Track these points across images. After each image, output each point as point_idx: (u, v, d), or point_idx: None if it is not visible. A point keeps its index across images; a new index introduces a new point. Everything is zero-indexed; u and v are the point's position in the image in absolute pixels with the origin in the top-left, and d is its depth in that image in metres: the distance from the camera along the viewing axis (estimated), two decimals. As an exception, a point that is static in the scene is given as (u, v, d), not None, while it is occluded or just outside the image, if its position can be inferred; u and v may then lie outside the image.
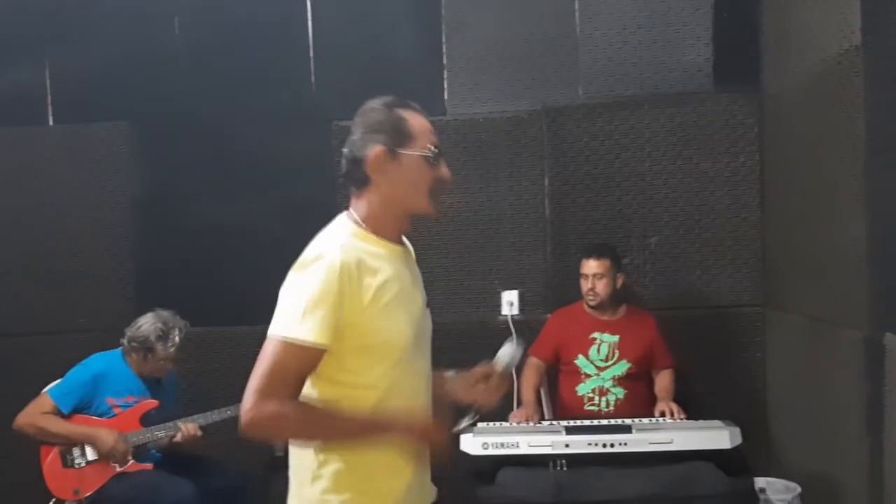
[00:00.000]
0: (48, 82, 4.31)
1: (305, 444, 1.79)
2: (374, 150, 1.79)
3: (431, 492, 1.98)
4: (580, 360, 3.66)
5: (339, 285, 1.69)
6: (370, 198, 1.84)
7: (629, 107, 4.04)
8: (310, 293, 1.69)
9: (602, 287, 3.66)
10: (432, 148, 1.82)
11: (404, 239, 1.97)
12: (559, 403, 3.77)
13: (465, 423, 1.92)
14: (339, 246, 1.75)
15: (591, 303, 3.69)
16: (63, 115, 4.30)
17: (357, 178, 1.84)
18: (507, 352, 1.97)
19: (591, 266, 3.68)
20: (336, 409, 1.76)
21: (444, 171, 1.84)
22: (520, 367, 3.86)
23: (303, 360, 1.70)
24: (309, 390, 1.77)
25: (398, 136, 1.80)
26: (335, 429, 1.76)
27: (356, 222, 1.84)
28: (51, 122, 4.31)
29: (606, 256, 3.70)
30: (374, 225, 1.83)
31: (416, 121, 1.84)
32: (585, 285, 3.69)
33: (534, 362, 3.76)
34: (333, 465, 1.78)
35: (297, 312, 1.69)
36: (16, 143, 4.26)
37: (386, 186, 1.81)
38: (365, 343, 1.75)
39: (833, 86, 3.14)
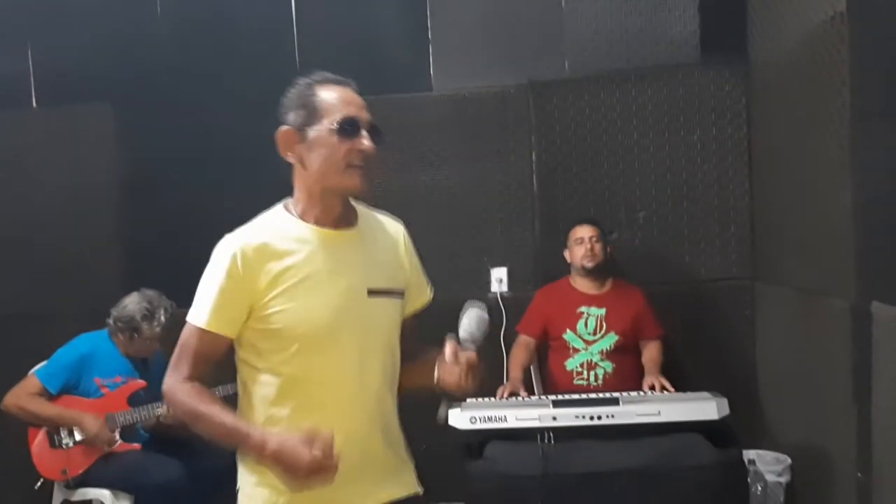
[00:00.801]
0: (31, 65, 4.28)
1: (195, 429, 1.75)
2: (280, 131, 1.80)
3: (384, 490, 1.86)
4: (568, 335, 3.66)
5: (230, 271, 1.72)
6: (296, 180, 1.84)
7: (616, 80, 4.01)
8: (206, 278, 1.77)
9: (599, 249, 3.67)
10: (344, 120, 1.74)
11: (366, 217, 1.91)
12: (548, 379, 3.77)
13: (441, 410, 1.80)
14: (245, 231, 1.79)
15: (589, 264, 3.67)
16: (46, 97, 4.28)
17: (283, 161, 1.83)
18: (465, 324, 1.81)
19: (585, 230, 3.70)
20: (216, 407, 1.72)
21: (361, 142, 1.75)
22: (509, 344, 3.88)
23: (199, 341, 1.75)
24: (238, 378, 1.82)
25: (306, 114, 1.77)
26: (206, 424, 1.72)
27: (285, 206, 1.84)
28: (34, 105, 4.28)
29: (597, 224, 3.75)
30: (301, 208, 1.82)
31: (332, 95, 1.78)
32: (581, 249, 3.68)
33: (522, 340, 3.76)
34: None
35: (197, 296, 1.77)
36: (-1, 126, 4.23)
37: (301, 167, 1.80)
38: (264, 328, 1.75)
39: (819, 54, 3.11)
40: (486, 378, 3.61)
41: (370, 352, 1.82)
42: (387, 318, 1.86)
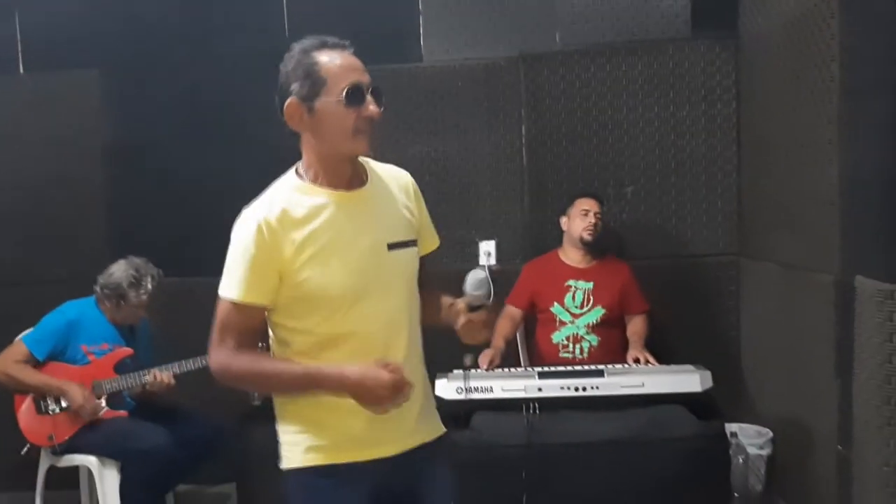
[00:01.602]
0: (18, 30, 4.23)
1: (259, 391, 1.85)
2: (288, 104, 1.80)
3: (418, 432, 1.93)
4: (555, 308, 3.68)
5: (257, 243, 1.76)
6: (305, 148, 1.87)
7: (606, 53, 4.01)
8: (233, 253, 1.81)
9: (600, 224, 3.70)
10: (350, 88, 1.76)
11: (375, 172, 1.95)
12: (535, 352, 3.80)
13: (466, 359, 1.99)
14: (263, 203, 1.81)
15: (589, 238, 3.69)
16: (33, 63, 4.24)
17: (288, 130, 1.85)
18: (470, 280, 1.90)
19: (592, 203, 3.71)
20: (280, 363, 1.84)
21: (369, 108, 1.78)
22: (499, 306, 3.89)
23: (238, 315, 1.79)
24: (273, 336, 1.89)
25: (310, 84, 1.78)
26: (277, 380, 1.82)
27: (297, 173, 1.87)
28: (21, 71, 4.23)
29: (601, 199, 3.77)
30: (313, 174, 1.85)
31: (332, 61, 1.78)
32: (584, 221, 3.69)
33: (508, 311, 3.78)
34: (290, 404, 1.89)
35: (227, 271, 1.81)
36: (-15, 92, 4.20)
37: (310, 136, 1.83)
38: (296, 294, 1.80)
39: (809, 29, 3.12)
40: (473, 350, 3.67)
41: (397, 302, 1.88)
42: (408, 269, 1.92)
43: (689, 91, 3.98)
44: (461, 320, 1.88)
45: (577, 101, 4.04)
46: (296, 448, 1.88)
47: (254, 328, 1.83)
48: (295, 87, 1.79)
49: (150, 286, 3.43)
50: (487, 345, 3.43)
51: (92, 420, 3.39)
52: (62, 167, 4.20)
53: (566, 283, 3.69)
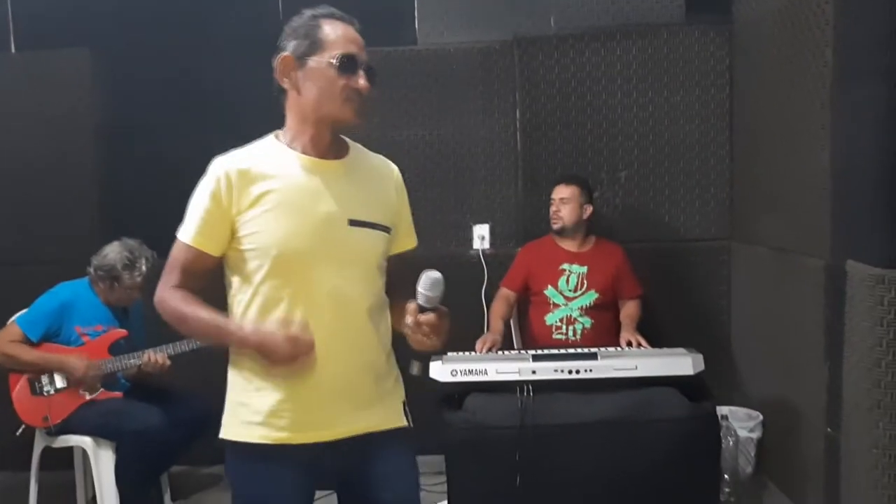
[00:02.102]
0: (10, 9, 4.19)
1: (182, 332, 1.91)
2: (282, 58, 1.85)
3: (362, 419, 1.91)
4: (549, 291, 3.70)
5: (214, 192, 1.82)
6: (288, 108, 1.90)
7: (601, 38, 4.00)
8: (195, 196, 1.87)
9: (567, 212, 3.69)
10: (344, 56, 1.80)
11: (359, 153, 1.97)
12: (528, 333, 3.82)
13: (413, 367, 1.88)
14: (232, 156, 1.87)
15: (554, 226, 3.72)
16: (25, 42, 4.20)
17: (276, 88, 1.88)
18: (420, 289, 1.81)
19: (558, 190, 3.72)
20: (199, 308, 1.84)
21: (359, 80, 1.81)
22: (490, 300, 3.92)
23: (185, 255, 1.87)
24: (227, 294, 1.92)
25: (308, 44, 1.82)
26: (193, 323, 1.85)
27: (276, 135, 1.91)
28: (13, 50, 4.20)
29: (575, 183, 3.73)
30: (290, 136, 1.89)
31: (335, 30, 1.83)
32: (552, 211, 3.72)
33: (503, 293, 3.80)
34: (234, 375, 1.93)
35: (188, 212, 1.88)
36: (-23, 71, 4.16)
37: (296, 94, 1.85)
38: (243, 248, 1.83)
39: (803, 14, 3.13)
40: (467, 332, 3.70)
41: (349, 278, 1.86)
42: (369, 249, 1.90)
43: (682, 76, 3.99)
44: (409, 321, 1.81)
45: (572, 85, 4.04)
46: (233, 419, 1.91)
47: (197, 272, 1.87)
48: (293, 44, 1.84)
49: (144, 268, 3.43)
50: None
51: (86, 401, 3.39)
52: (54, 147, 4.16)
53: (560, 267, 3.71)
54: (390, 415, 1.97)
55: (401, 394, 2.03)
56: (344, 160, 1.92)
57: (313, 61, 1.81)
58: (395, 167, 2.04)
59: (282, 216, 1.81)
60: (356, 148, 1.98)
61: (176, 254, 1.89)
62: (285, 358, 1.76)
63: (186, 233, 1.86)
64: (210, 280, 1.92)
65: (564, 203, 3.69)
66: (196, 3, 4.10)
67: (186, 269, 1.88)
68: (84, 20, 4.11)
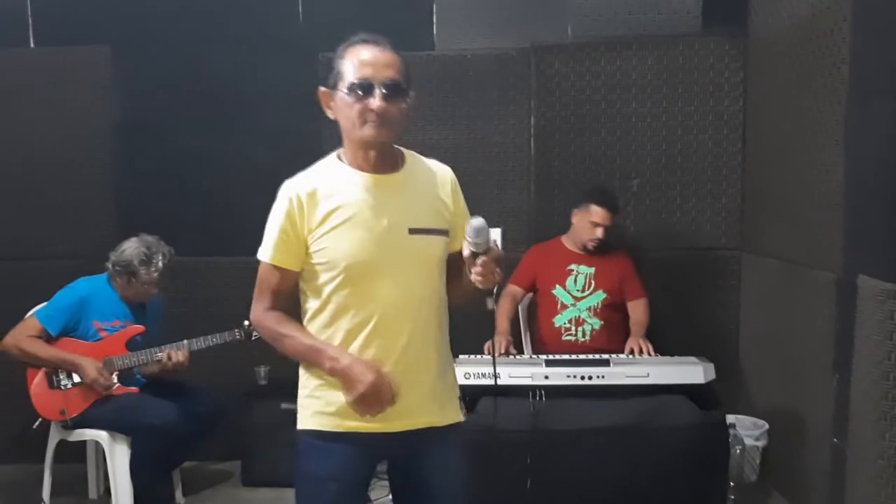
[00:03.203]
0: (29, 4, 4.22)
1: (280, 351, 2.02)
2: (320, 92, 2.01)
3: (426, 414, 2.03)
4: (557, 290, 3.74)
5: (288, 212, 1.96)
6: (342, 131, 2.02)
7: (617, 47, 4.05)
8: (270, 220, 2.00)
9: (605, 236, 3.72)
10: (354, 84, 1.90)
11: (414, 162, 2.06)
12: (537, 336, 3.85)
13: (490, 303, 1.98)
14: (300, 178, 2.00)
15: (592, 247, 3.74)
16: (45, 37, 4.23)
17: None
18: (469, 229, 1.90)
19: (604, 217, 3.71)
20: (297, 330, 2.00)
21: (372, 102, 1.90)
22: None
23: (271, 276, 2.00)
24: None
25: (334, 77, 1.96)
26: (290, 344, 1.99)
27: (337, 155, 2.04)
28: (32, 45, 4.23)
29: (617, 210, 3.78)
30: (349, 156, 2.02)
31: (355, 57, 1.93)
32: (593, 231, 3.70)
33: (510, 290, 3.83)
34: (306, 369, 2.06)
35: (264, 236, 2.01)
36: (-4, 64, 4.19)
37: (340, 122, 1.99)
38: (316, 262, 1.96)
39: (820, 31, 3.17)
40: (478, 335, 3.74)
41: (411, 284, 1.99)
42: (429, 254, 2.02)
43: (697, 87, 4.04)
44: (472, 268, 1.91)
45: (587, 94, 4.09)
46: (305, 411, 2.04)
47: (286, 290, 2.01)
48: (329, 77, 1.98)
49: (160, 264, 3.47)
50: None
51: (103, 395, 3.44)
52: (72, 142, 4.21)
53: (568, 267, 3.76)
54: (449, 410, 2.10)
55: (457, 389, 2.16)
56: (399, 173, 2.03)
57: (338, 92, 1.95)
58: (448, 170, 2.14)
59: (348, 231, 1.94)
60: (412, 157, 2.09)
61: (261, 275, 2.03)
62: (362, 399, 1.91)
63: (265, 252, 2.00)
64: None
65: (606, 228, 3.72)
66: (216, 2, 4.13)
67: (274, 290, 2.01)
68: (104, 17, 4.15)
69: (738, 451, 3.53)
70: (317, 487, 2.04)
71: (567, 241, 3.86)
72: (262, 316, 2.03)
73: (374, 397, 1.90)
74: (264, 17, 4.11)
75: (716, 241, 4.11)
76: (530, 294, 3.91)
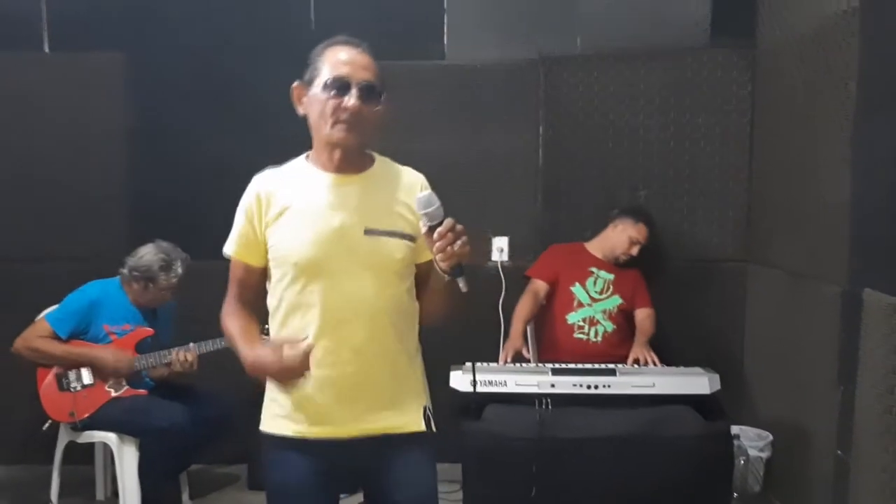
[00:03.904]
0: (44, 9, 4.26)
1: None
2: (293, 87, 2.00)
3: (379, 421, 1.99)
4: (576, 288, 3.76)
5: (247, 207, 1.99)
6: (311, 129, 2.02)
7: (625, 59, 4.08)
8: (236, 215, 2.03)
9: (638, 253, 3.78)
10: (332, 80, 1.89)
11: (383, 167, 2.04)
12: (547, 330, 3.83)
13: (461, 283, 1.86)
14: (266, 173, 2.03)
15: (622, 260, 3.78)
16: (59, 42, 4.26)
17: (294, 112, 2.03)
18: (419, 203, 1.85)
19: (642, 233, 3.77)
20: (234, 324, 2.01)
21: (346, 100, 1.89)
22: (507, 311, 3.97)
23: (234, 268, 2.04)
24: None
25: (310, 72, 1.96)
26: (231, 338, 2.01)
27: (306, 155, 2.05)
28: (46, 49, 4.27)
29: (650, 224, 3.84)
30: (314, 155, 2.02)
31: (333, 55, 1.93)
32: (629, 247, 3.76)
33: (533, 286, 3.80)
34: None
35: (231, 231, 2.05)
36: (11, 69, 4.22)
37: (310, 119, 1.98)
38: (271, 257, 1.98)
39: (829, 46, 3.20)
40: (485, 343, 3.75)
41: (365, 285, 1.95)
42: (385, 256, 1.97)
43: (704, 99, 4.07)
44: (433, 246, 1.83)
45: (595, 104, 4.12)
46: (266, 411, 2.04)
47: (248, 284, 2.03)
48: (305, 73, 1.98)
49: (180, 270, 3.51)
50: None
51: (112, 398, 3.47)
52: (85, 147, 4.23)
53: (589, 269, 3.80)
54: (409, 418, 2.03)
55: (423, 399, 2.08)
56: (364, 174, 2.01)
57: (313, 87, 1.94)
58: (420, 177, 2.09)
59: (299, 229, 1.95)
60: (382, 163, 2.07)
61: (231, 268, 2.06)
62: (276, 376, 1.93)
63: (229, 246, 2.04)
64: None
65: (640, 245, 3.77)
66: (229, 9, 4.17)
67: (239, 281, 2.04)
68: (118, 24, 4.18)
69: (742, 461, 3.55)
70: (275, 492, 2.05)
71: (592, 248, 3.88)
72: (225, 307, 2.05)
73: (281, 373, 1.88)
74: (277, 24, 4.15)
75: (722, 252, 4.13)
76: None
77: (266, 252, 1.98)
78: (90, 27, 4.20)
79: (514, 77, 4.15)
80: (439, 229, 1.81)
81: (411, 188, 2.02)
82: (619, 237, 3.78)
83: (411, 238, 1.99)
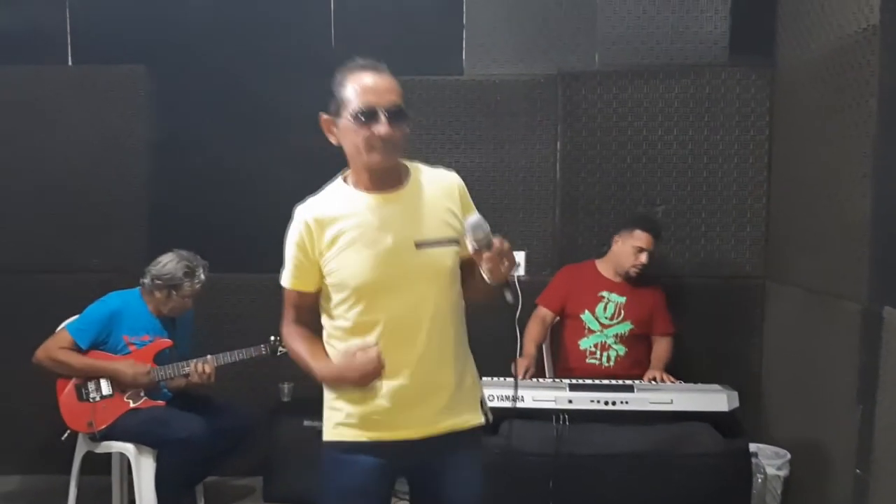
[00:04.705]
0: (68, 22, 4.31)
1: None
2: (321, 119, 2.06)
3: (446, 419, 2.07)
4: (586, 315, 3.76)
5: (297, 239, 2.05)
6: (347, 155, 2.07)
7: (644, 75, 4.10)
8: (286, 246, 2.09)
9: (648, 261, 3.75)
10: (360, 109, 1.94)
11: (418, 175, 2.09)
12: (560, 356, 3.85)
13: (508, 296, 1.99)
14: (310, 202, 2.08)
15: (634, 273, 3.76)
16: (82, 55, 4.31)
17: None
18: (468, 227, 1.94)
19: (649, 241, 3.73)
20: (305, 346, 2.08)
21: (378, 128, 1.94)
22: (523, 326, 3.97)
23: (290, 297, 2.12)
24: None
25: (336, 104, 2.01)
26: (299, 360, 2.10)
27: (343, 177, 2.11)
28: (70, 62, 4.32)
29: (660, 237, 3.83)
30: (353, 178, 2.08)
31: (356, 84, 1.98)
32: (637, 257, 3.72)
33: (540, 313, 3.84)
34: None
35: (285, 261, 2.10)
36: (35, 81, 4.28)
37: (345, 148, 2.04)
38: (329, 281, 2.04)
39: (848, 64, 3.20)
40: (501, 358, 3.75)
41: (422, 297, 2.03)
42: (438, 266, 2.05)
43: (723, 116, 4.07)
44: (480, 264, 1.94)
45: (613, 120, 4.13)
46: (328, 423, 2.11)
47: (307, 306, 2.11)
48: (331, 104, 2.03)
49: (202, 276, 3.55)
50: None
51: (130, 408, 3.48)
52: (107, 159, 4.28)
53: (599, 294, 3.78)
54: (469, 413, 2.14)
55: (479, 391, 2.20)
56: (403, 189, 2.07)
57: (342, 119, 1.99)
58: (453, 175, 2.17)
59: (355, 253, 2.00)
60: (416, 170, 2.12)
61: (286, 297, 2.13)
62: (356, 382, 2.00)
63: (285, 279, 2.11)
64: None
65: (648, 253, 3.74)
66: (250, 23, 4.22)
67: (296, 306, 2.13)
68: (140, 37, 4.24)
69: (760, 480, 3.53)
70: (340, 499, 2.09)
71: (602, 267, 3.87)
72: (285, 330, 2.14)
73: (362, 378, 1.97)
74: (298, 40, 4.19)
75: (740, 269, 4.13)
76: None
77: (320, 277, 2.05)
78: (113, 41, 4.27)
79: (532, 92, 4.17)
80: (487, 254, 1.91)
81: (449, 191, 2.11)
82: (624, 249, 3.77)
83: (456, 241, 2.08)
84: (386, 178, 2.04)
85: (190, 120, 4.22)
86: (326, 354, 2.08)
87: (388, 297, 2.01)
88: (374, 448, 2.05)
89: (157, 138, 4.28)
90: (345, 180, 2.09)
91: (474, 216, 1.97)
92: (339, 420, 2.08)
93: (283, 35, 4.21)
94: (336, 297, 2.04)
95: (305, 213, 2.06)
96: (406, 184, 2.07)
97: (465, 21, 4.19)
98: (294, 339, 2.12)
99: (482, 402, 2.18)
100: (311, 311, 2.13)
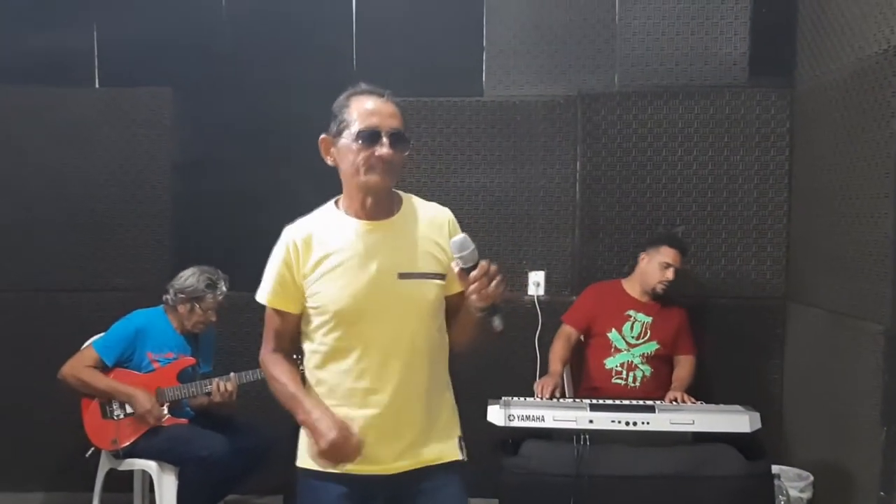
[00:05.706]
0: (96, 45, 4.39)
1: (273, 393, 2.07)
2: (320, 140, 2.07)
3: (417, 455, 2.05)
4: (612, 334, 3.75)
5: (284, 257, 2.04)
6: (342, 179, 2.08)
7: (664, 96, 4.12)
8: (269, 263, 2.08)
9: (675, 277, 3.75)
10: (362, 131, 1.96)
11: (410, 207, 2.10)
12: (586, 374, 3.83)
13: (496, 322, 1.92)
14: (300, 223, 2.08)
15: (661, 292, 3.75)
16: (109, 77, 4.39)
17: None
18: (454, 246, 1.91)
19: (675, 258, 3.74)
20: (286, 376, 2.04)
21: (380, 150, 1.96)
22: (543, 346, 3.98)
23: (272, 318, 2.10)
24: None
25: (337, 125, 2.02)
26: (278, 390, 2.06)
27: (335, 202, 2.11)
28: (97, 85, 4.40)
29: (686, 253, 3.84)
30: (345, 203, 2.08)
31: (360, 106, 2.00)
32: (663, 275, 3.72)
33: (566, 331, 3.83)
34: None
35: (263, 279, 2.09)
36: (62, 103, 4.34)
37: (340, 168, 2.05)
38: (310, 305, 2.04)
39: (869, 85, 3.21)
40: (521, 377, 3.75)
41: (402, 327, 2.02)
42: (419, 298, 2.04)
43: (743, 137, 4.08)
44: (468, 287, 1.89)
45: (633, 141, 4.15)
46: (302, 448, 2.09)
47: (287, 331, 2.09)
48: (331, 125, 2.04)
49: (224, 287, 3.60)
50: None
51: (153, 426, 3.52)
52: (133, 180, 4.35)
53: (626, 313, 3.77)
54: (445, 449, 2.11)
55: (457, 429, 2.17)
56: (394, 218, 2.07)
57: (342, 139, 2.00)
58: (446, 213, 2.16)
59: (338, 277, 2.00)
60: (409, 202, 2.13)
61: (266, 317, 2.12)
62: (323, 453, 1.94)
63: (263, 295, 2.09)
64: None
65: (675, 269, 3.74)
66: (274, 46, 4.29)
67: (276, 331, 2.10)
68: (167, 60, 4.31)
69: (783, 502, 3.50)
70: None
71: (628, 286, 3.87)
72: (263, 357, 2.11)
73: (334, 454, 1.92)
74: (321, 62, 4.24)
75: (760, 290, 4.12)
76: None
77: (303, 299, 2.04)
78: (139, 63, 4.34)
79: (552, 113, 4.20)
80: (474, 273, 1.88)
81: (440, 226, 2.10)
82: (651, 266, 3.76)
83: (442, 276, 2.06)
84: (378, 206, 2.04)
85: (214, 142, 4.28)
86: (306, 388, 2.05)
87: (366, 324, 2.00)
88: (345, 478, 2.02)
89: (182, 160, 4.35)
90: (336, 205, 2.10)
91: (460, 235, 1.97)
92: (313, 448, 2.02)
93: (307, 58, 4.27)
94: (315, 321, 2.03)
95: (293, 233, 2.06)
96: (396, 214, 2.08)
97: (485, 43, 4.24)
98: (273, 364, 2.09)
99: (460, 441, 2.14)
100: (291, 339, 2.11)
